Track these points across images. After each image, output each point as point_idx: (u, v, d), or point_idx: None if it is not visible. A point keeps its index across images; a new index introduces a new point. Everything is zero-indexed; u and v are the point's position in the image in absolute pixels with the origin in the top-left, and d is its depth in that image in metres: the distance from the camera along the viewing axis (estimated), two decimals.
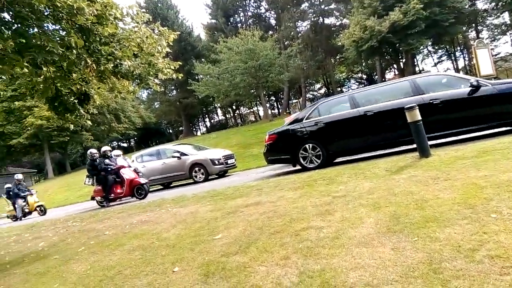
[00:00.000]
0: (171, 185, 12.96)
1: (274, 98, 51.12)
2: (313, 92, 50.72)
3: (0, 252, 5.84)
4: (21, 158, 39.29)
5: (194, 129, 54.54)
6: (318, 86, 51.00)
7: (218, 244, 3.36)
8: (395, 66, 36.25)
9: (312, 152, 7.14)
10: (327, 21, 39.82)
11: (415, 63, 34.83)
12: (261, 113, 47.25)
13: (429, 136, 6.23)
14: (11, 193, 13.04)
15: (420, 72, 32.72)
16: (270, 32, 39.16)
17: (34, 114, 29.44)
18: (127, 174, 9.91)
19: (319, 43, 38.16)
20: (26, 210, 12.87)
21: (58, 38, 4.38)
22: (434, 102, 6.23)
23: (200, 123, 58.86)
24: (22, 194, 12.83)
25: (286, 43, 38.87)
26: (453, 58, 38.86)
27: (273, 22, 44.79)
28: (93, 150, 10.50)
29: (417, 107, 5.05)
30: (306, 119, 7.41)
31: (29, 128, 30.00)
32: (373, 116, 6.69)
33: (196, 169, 11.48)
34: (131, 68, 5.30)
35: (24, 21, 4.05)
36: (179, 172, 11.79)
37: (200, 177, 11.38)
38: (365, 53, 26.94)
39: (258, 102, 47.00)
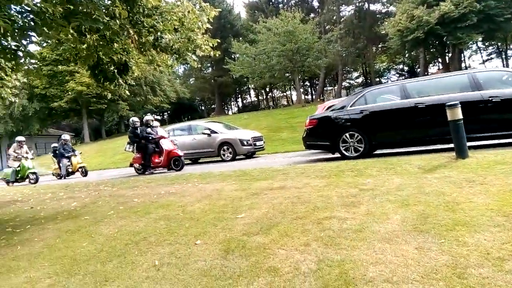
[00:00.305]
0: (199, 161, 13.22)
1: (308, 84, 50.28)
2: (349, 81, 49.37)
3: (37, 207, 6.24)
4: (60, 121, 41.29)
5: (226, 108, 54.94)
6: (355, 74, 49.51)
7: (240, 223, 3.43)
8: (440, 60, 34.43)
9: (354, 141, 6.89)
10: (373, 7, 38.15)
11: (462, 59, 32.88)
12: (294, 97, 46.79)
13: (483, 136, 5.92)
14: (57, 152, 13.53)
15: (466, 68, 30.91)
16: (312, 15, 38.19)
17: (75, 80, 30.64)
18: (166, 144, 10.00)
19: (361, 30, 36.76)
20: (70, 170, 13.17)
21: (103, 7, 4.48)
22: (494, 100, 5.84)
23: (232, 103, 59.14)
24: (67, 154, 13.15)
25: (327, 27, 37.74)
26: (503, 56, 36.34)
27: (315, 4, 43.51)
28: (135, 118, 10.66)
29: (460, 105, 4.79)
30: (351, 106, 7.09)
31: (69, 92, 31.30)
32: (424, 109, 6.33)
33: (225, 147, 11.62)
34: (171, 42, 5.36)
35: None
36: (208, 149, 11.99)
37: (227, 156, 11.52)
38: (409, 44, 25.70)
39: (292, 86, 46.42)
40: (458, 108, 4.78)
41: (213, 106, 54.13)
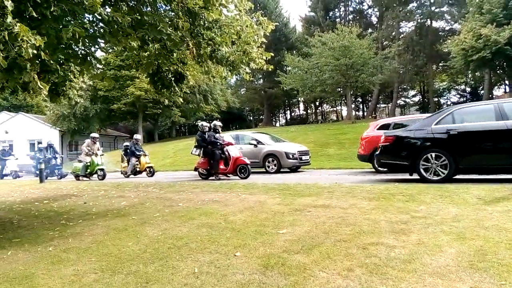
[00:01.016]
0: None
1: (360, 100, 49.00)
2: (405, 99, 47.31)
3: (89, 203, 6.66)
4: (117, 122, 44.00)
5: (274, 120, 55.19)
6: (412, 93, 47.32)
7: (281, 239, 3.36)
8: (507, 82, 31.87)
9: (438, 163, 6.33)
10: (435, 24, 36.42)
11: None
12: (344, 113, 45.76)
13: None
14: (128, 150, 13.82)
15: None
16: (369, 30, 37.30)
17: (135, 85, 32.65)
18: (233, 151, 9.89)
19: (421, 47, 35.16)
20: (137, 169, 13.42)
21: (167, 19, 4.73)
22: None
23: (280, 115, 59.28)
24: (137, 153, 13.42)
25: (384, 43, 36.67)
26: None
27: (374, 20, 42.54)
28: (204, 123, 10.68)
29: None
30: (435, 124, 6.55)
31: (129, 96, 33.39)
32: None
33: (270, 159, 11.61)
34: (227, 55, 5.50)
35: None
36: (253, 160, 12.03)
37: (272, 168, 11.49)
38: (474, 64, 24.06)
39: (343, 102, 45.51)
40: None
41: (261, 117, 54.65)
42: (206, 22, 5.02)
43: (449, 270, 2.41)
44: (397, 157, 6.91)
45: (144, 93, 32.14)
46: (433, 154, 6.35)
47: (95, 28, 4.50)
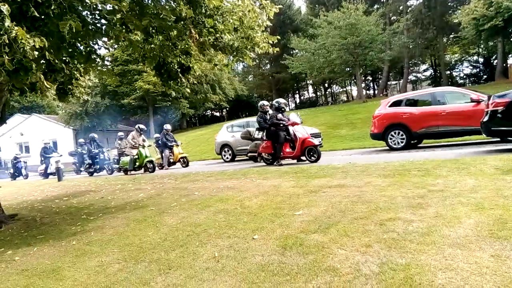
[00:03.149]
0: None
1: (370, 78, 48.15)
2: (416, 74, 46.27)
3: (108, 197, 6.80)
4: (129, 117, 44.43)
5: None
6: (423, 67, 46.20)
7: (298, 220, 3.39)
8: None
9: None
10: None
11: None
12: (354, 93, 45.15)
13: None
14: (159, 142, 13.22)
15: None
16: (376, 6, 36.39)
17: (143, 79, 32.83)
18: (300, 132, 8.66)
19: (431, 20, 34.11)
20: (171, 160, 12.80)
21: (168, 7, 4.70)
22: None
23: (289, 99, 58.83)
24: (169, 144, 12.84)
25: (392, 18, 35.74)
26: None
27: None
28: (265, 102, 9.83)
29: None
30: None
31: (137, 91, 33.62)
32: None
33: None
34: (230, 42, 5.45)
35: None
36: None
37: None
38: (486, 33, 23.28)
39: (352, 81, 44.83)
40: None
41: (270, 102, 54.38)
42: (207, 9, 4.97)
43: (468, 241, 2.39)
44: None
45: (152, 87, 32.29)
46: None
47: (95, 22, 4.52)
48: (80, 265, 3.15)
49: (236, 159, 13.01)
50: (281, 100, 9.38)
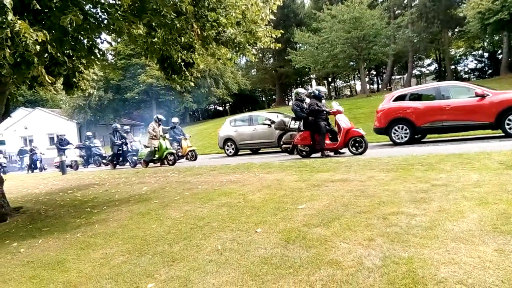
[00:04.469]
0: (259, 151, 13.38)
1: (374, 73, 47.83)
2: (420, 68, 45.88)
3: (111, 190, 6.83)
4: (132, 112, 44.47)
5: (286, 99, 54.65)
6: (428, 62, 45.77)
7: (301, 213, 3.39)
8: None
9: None
10: None
11: None
12: (358, 87, 44.88)
13: None
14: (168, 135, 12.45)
15: None
16: (380, 0, 36.03)
17: (146, 73, 32.83)
18: (344, 121, 7.98)
19: (435, 13, 33.71)
20: (179, 154, 12.12)
21: (171, 2, 4.68)
22: None
23: (293, 93, 58.68)
24: (178, 138, 12.45)
25: (396, 12, 35.36)
26: None
27: None
28: (301, 90, 9.15)
29: None
30: None
31: (141, 85, 33.64)
32: None
33: None
34: (233, 36, 5.42)
35: None
36: (268, 140, 12.04)
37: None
38: (491, 27, 23.00)
39: (356, 76, 44.58)
40: None
41: (273, 97, 54.18)
42: (210, 3, 4.94)
43: (472, 235, 2.39)
44: None
45: (155, 81, 32.29)
46: None
47: (97, 15, 4.52)
48: (85, 257, 3.18)
49: (239, 153, 13.02)
50: (322, 88, 8.79)
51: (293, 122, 8.84)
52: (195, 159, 12.29)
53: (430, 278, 1.96)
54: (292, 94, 56.65)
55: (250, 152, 13.37)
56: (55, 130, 32.68)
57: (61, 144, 15.28)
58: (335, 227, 2.89)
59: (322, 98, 8.44)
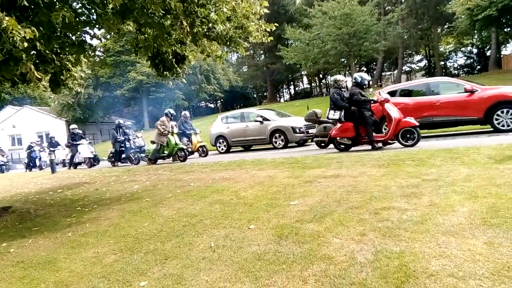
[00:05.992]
0: (251, 148, 13.38)
1: (365, 69, 48.12)
2: (410, 65, 46.34)
3: (102, 189, 6.77)
4: (122, 109, 44.04)
5: (278, 96, 54.73)
6: (417, 58, 46.29)
7: (293, 210, 3.40)
8: None
9: None
10: None
11: None
12: (349, 83, 45.09)
13: None
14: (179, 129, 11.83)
15: None
16: None
17: (136, 70, 32.52)
18: (394, 111, 7.15)
19: (425, 10, 34.02)
20: (189, 150, 11.56)
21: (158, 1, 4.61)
22: None
23: (284, 90, 58.67)
24: (188, 132, 11.94)
25: (387, 8, 35.57)
26: None
27: None
28: (340, 77, 8.42)
29: None
30: None
31: (131, 82, 33.33)
32: None
33: (277, 135, 11.59)
34: (224, 32, 5.38)
35: None
36: (260, 136, 12.05)
37: (279, 144, 11.49)
38: (480, 23, 23.30)
39: (347, 72, 44.78)
40: None
41: (265, 93, 54.17)
42: None
43: (462, 228, 2.43)
44: None
45: (146, 78, 32.02)
46: None
47: (86, 13, 4.45)
48: (76, 256, 3.15)
49: (231, 150, 13.00)
50: (365, 75, 8.04)
51: (332, 112, 7.97)
52: (206, 155, 11.75)
53: (422, 271, 1.99)
54: (283, 91, 56.77)
55: (242, 149, 13.37)
56: (44, 129, 32.22)
57: (73, 139, 14.75)
58: (328, 223, 2.91)
59: (365, 85, 7.77)
